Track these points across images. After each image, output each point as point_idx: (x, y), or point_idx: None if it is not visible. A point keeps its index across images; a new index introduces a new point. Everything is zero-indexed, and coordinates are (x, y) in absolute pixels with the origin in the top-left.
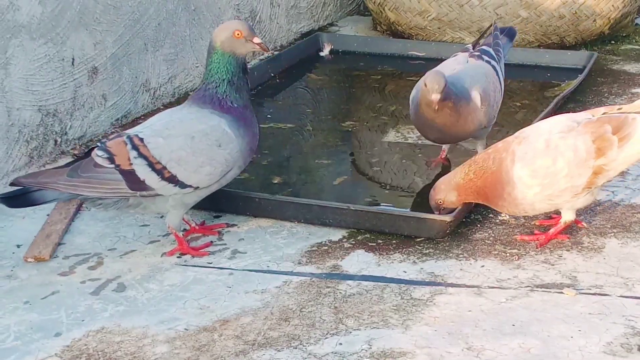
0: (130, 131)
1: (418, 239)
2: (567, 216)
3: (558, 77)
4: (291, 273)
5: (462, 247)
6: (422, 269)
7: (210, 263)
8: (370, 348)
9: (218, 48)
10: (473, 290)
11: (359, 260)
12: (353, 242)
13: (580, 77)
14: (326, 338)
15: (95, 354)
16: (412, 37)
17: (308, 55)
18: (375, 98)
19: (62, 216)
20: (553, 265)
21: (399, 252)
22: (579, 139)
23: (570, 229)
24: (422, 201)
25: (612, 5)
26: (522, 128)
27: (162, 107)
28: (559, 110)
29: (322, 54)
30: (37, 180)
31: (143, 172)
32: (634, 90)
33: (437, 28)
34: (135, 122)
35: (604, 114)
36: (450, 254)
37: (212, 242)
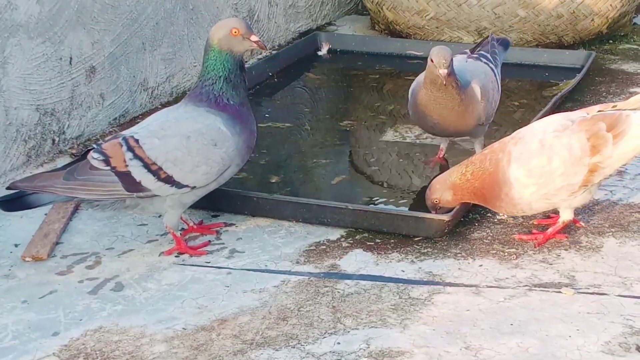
0: (126, 132)
1: (416, 239)
2: (565, 215)
3: (556, 76)
4: (289, 272)
5: (460, 246)
6: (420, 268)
7: (208, 262)
8: (368, 347)
9: (215, 46)
10: (471, 290)
11: (357, 260)
12: (351, 242)
13: (579, 76)
14: (324, 337)
15: (93, 354)
16: (410, 37)
17: (306, 55)
18: (373, 97)
19: (60, 215)
20: (551, 264)
21: (397, 252)
22: (574, 138)
23: (568, 229)
24: (420, 200)
25: (610, 5)
26: (520, 127)
27: (160, 106)
28: (557, 109)
29: (320, 53)
30: (33, 184)
31: (139, 173)
32: (631, 90)
33: (435, 27)
34: (133, 121)
35: (599, 111)
36: (449, 254)
37: (210, 241)
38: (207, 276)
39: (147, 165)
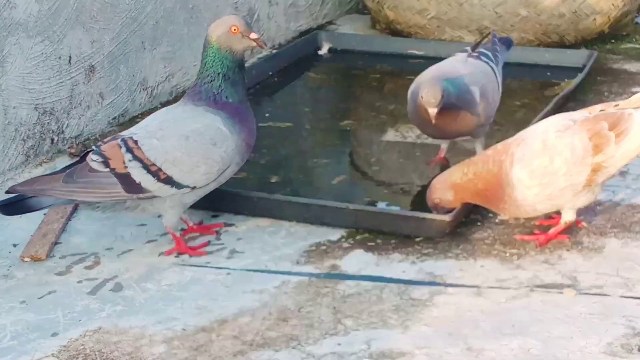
0: (125, 133)
1: (417, 239)
2: (568, 216)
3: (558, 76)
4: (290, 273)
5: (461, 247)
6: (421, 269)
7: (208, 263)
8: (369, 348)
9: (214, 43)
10: (472, 291)
11: (357, 260)
12: (352, 242)
13: (580, 76)
14: (325, 338)
15: (92, 354)
16: (411, 36)
17: (306, 54)
18: (374, 97)
19: (58, 215)
20: (553, 265)
21: (398, 252)
22: (576, 137)
23: (570, 229)
24: (421, 201)
25: (612, 4)
26: (521, 127)
27: (159, 106)
28: (558, 109)
29: (320, 52)
30: (32, 188)
31: (138, 174)
32: (634, 89)
33: (436, 27)
34: (132, 120)
35: (600, 111)
36: (450, 254)
37: (210, 241)
38: (207, 277)
39: (147, 166)
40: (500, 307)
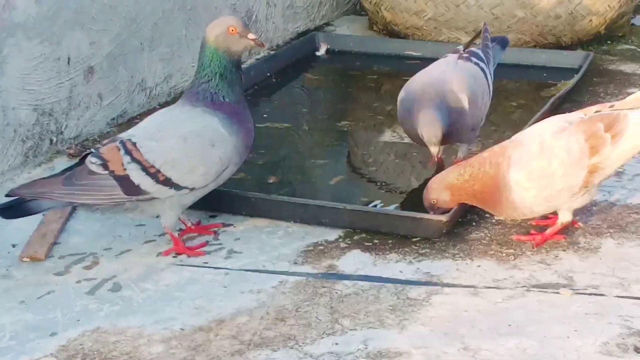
0: (123, 135)
1: (414, 239)
2: (564, 217)
3: (554, 77)
4: (287, 273)
5: (458, 247)
6: (418, 269)
7: (206, 263)
8: (367, 348)
9: (212, 44)
10: (469, 291)
11: (355, 260)
12: (349, 242)
13: (577, 77)
14: (322, 338)
15: (90, 354)
16: (409, 37)
17: (304, 55)
18: (372, 98)
19: (57, 216)
20: (549, 265)
21: (395, 252)
22: (572, 139)
23: (566, 229)
24: (418, 201)
25: (608, 5)
26: (518, 128)
27: (158, 107)
28: (555, 110)
29: (318, 53)
30: (32, 191)
31: (137, 176)
32: (629, 90)
33: (433, 28)
34: (131, 121)
35: (596, 112)
36: (447, 254)
37: (207, 242)
38: (205, 277)
39: (145, 168)
40: (496, 307)
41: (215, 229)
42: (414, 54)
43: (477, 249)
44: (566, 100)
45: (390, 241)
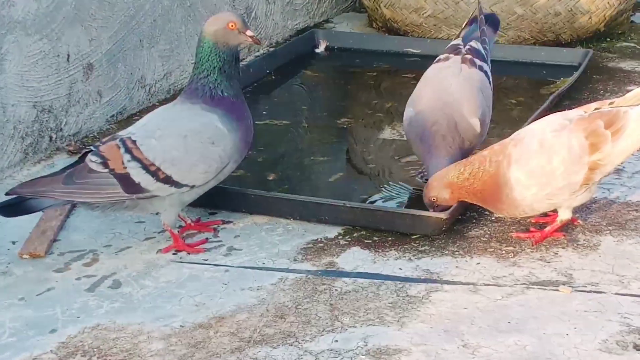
0: (123, 133)
1: (414, 236)
2: (564, 215)
3: (554, 74)
4: (287, 270)
5: (457, 244)
6: (417, 266)
7: (206, 260)
8: (366, 345)
9: (210, 38)
10: (469, 288)
11: (354, 258)
12: (349, 239)
13: (576, 74)
14: (322, 335)
15: (90, 351)
16: (408, 34)
17: (304, 52)
18: (371, 95)
19: (57, 212)
20: (549, 262)
21: (394, 249)
22: (572, 137)
23: (565, 227)
24: (418, 198)
25: (608, 3)
26: (517, 125)
27: (157, 104)
28: (554, 107)
29: (317, 50)
30: (33, 190)
31: (137, 174)
32: (629, 88)
33: (432, 25)
34: (130, 118)
35: (595, 109)
36: (446, 251)
37: (207, 239)
38: (204, 274)
39: (146, 167)
40: (496, 304)
41: (215, 226)
42: (414, 51)
43: (477, 246)
44: (566, 97)
45: (389, 238)
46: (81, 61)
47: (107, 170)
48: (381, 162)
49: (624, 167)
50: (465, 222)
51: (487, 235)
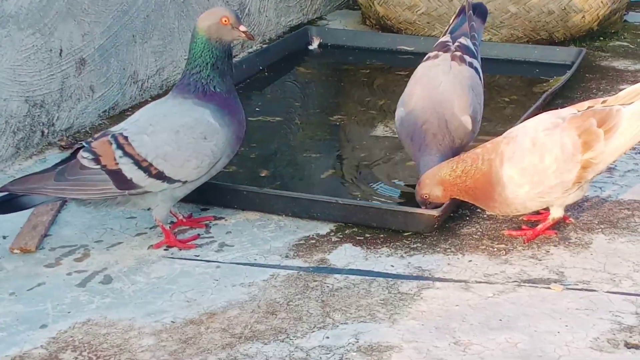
0: (115, 129)
1: (406, 234)
2: (556, 213)
3: (547, 73)
4: (278, 266)
5: (449, 241)
6: (409, 263)
7: (198, 256)
8: (357, 342)
9: (203, 33)
10: (460, 285)
11: (346, 254)
12: (341, 236)
13: (569, 73)
14: (313, 332)
15: (81, 346)
16: (401, 32)
17: (297, 49)
18: (364, 92)
19: (48, 207)
20: (540, 260)
21: (386, 247)
22: (565, 135)
23: (557, 225)
24: (410, 195)
25: (601, 2)
26: (510, 123)
27: (150, 99)
28: (547, 105)
29: (311, 47)
30: (24, 187)
31: (129, 170)
32: (621, 87)
33: (426, 23)
34: (122, 114)
35: (588, 107)
36: (438, 249)
37: (199, 235)
38: (196, 270)
39: (138, 162)
40: (487, 301)
41: (207, 222)
42: (407, 48)
43: (469, 243)
44: (558, 96)
45: (381, 235)
46: (74, 56)
47: (99, 166)
48: (374, 159)
49: (615, 166)
50: (457, 220)
51: (479, 233)
